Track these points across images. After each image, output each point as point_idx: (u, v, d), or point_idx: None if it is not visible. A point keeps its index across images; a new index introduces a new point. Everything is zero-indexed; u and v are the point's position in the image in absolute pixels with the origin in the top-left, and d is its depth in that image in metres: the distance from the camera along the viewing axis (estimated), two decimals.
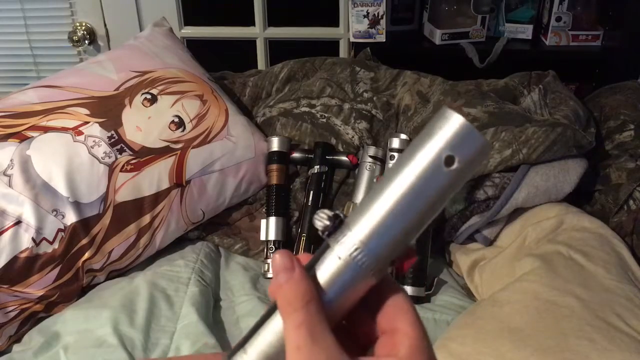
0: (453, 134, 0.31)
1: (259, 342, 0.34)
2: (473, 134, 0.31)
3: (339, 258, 0.33)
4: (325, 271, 0.34)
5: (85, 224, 1.12)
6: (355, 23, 1.53)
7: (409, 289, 1.15)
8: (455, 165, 0.31)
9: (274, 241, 1.24)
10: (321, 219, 0.34)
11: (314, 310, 0.32)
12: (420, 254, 1.17)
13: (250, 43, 1.77)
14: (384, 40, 1.54)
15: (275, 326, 0.34)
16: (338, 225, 0.34)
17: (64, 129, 1.16)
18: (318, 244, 1.27)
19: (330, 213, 0.34)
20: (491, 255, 1.19)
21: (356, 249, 0.33)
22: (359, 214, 0.33)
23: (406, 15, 1.68)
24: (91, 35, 1.78)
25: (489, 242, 1.24)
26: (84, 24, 1.77)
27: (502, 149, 1.20)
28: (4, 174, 1.09)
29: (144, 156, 1.18)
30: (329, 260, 0.34)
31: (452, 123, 0.31)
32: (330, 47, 1.74)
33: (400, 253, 0.33)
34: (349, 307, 0.34)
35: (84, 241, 1.12)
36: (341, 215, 0.34)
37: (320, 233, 0.34)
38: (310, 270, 0.34)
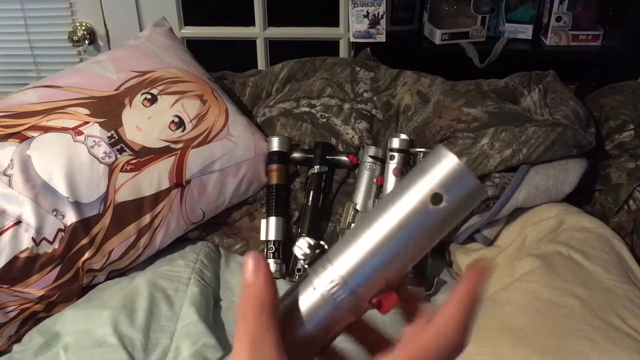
0: (443, 172, 0.29)
1: None
2: (466, 175, 0.29)
3: (317, 291, 0.32)
4: (303, 302, 0.33)
5: (85, 224, 1.12)
6: (355, 23, 1.53)
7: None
8: (442, 204, 0.29)
9: (274, 241, 1.24)
10: (301, 247, 0.33)
11: (266, 322, 0.31)
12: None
13: (250, 43, 1.77)
14: (384, 40, 1.54)
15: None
16: (319, 255, 0.33)
17: (64, 129, 1.16)
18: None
19: (311, 242, 0.33)
20: (491, 255, 1.19)
21: (334, 285, 0.31)
22: (341, 248, 0.32)
23: (406, 15, 1.68)
24: (91, 35, 1.78)
25: (489, 242, 1.24)
26: (84, 24, 1.77)
27: (502, 149, 1.20)
28: (4, 174, 1.09)
29: (144, 156, 1.18)
30: (307, 292, 0.32)
31: (444, 161, 0.29)
32: (330, 47, 1.74)
33: (380, 291, 0.32)
34: (329, 337, 0.33)
35: (84, 241, 1.12)
36: (324, 245, 0.33)
37: (300, 261, 0.33)
38: (288, 298, 0.33)
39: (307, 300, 0.33)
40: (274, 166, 1.29)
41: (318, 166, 1.29)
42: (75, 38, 1.75)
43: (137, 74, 1.28)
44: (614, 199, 1.22)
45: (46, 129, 1.16)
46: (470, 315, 0.31)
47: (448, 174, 0.29)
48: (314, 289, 0.32)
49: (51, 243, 1.09)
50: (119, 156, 1.16)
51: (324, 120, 1.36)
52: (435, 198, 0.29)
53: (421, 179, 0.30)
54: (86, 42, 1.77)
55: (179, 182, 1.20)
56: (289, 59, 1.52)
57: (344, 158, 1.30)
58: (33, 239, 1.08)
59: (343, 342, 0.35)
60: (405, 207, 0.30)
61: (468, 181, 0.29)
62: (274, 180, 1.29)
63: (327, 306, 0.32)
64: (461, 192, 0.29)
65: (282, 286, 1.20)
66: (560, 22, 1.57)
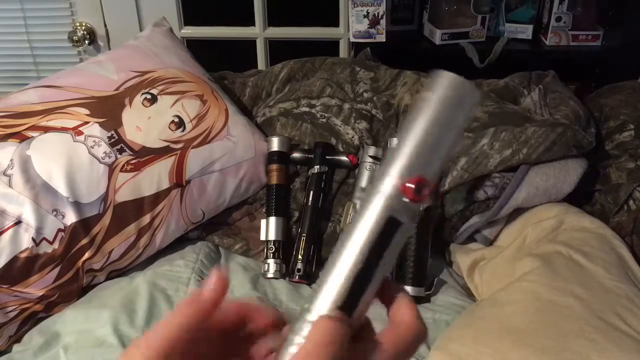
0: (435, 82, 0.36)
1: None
2: (444, 75, 0.36)
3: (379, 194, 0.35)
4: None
5: (85, 224, 1.11)
6: (355, 23, 1.53)
7: (409, 289, 1.15)
8: (431, 96, 0.36)
9: (274, 241, 1.24)
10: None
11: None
12: (421, 254, 1.17)
13: (250, 43, 1.77)
14: (384, 40, 1.54)
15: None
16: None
17: (64, 129, 1.16)
18: (318, 244, 1.27)
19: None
20: (491, 255, 1.19)
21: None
22: (390, 159, 0.36)
23: (406, 15, 1.68)
24: (91, 35, 1.78)
25: (489, 242, 1.24)
26: (84, 24, 1.77)
27: (502, 149, 1.20)
28: (4, 174, 1.09)
29: (144, 156, 1.18)
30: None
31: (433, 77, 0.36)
32: (330, 47, 1.74)
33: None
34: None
35: (84, 241, 1.12)
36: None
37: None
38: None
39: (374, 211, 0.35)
40: (274, 166, 1.29)
41: (318, 166, 1.29)
42: (75, 38, 1.75)
43: (137, 74, 1.28)
44: (614, 199, 1.22)
45: (46, 129, 1.16)
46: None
47: (432, 81, 0.36)
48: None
49: (51, 243, 1.09)
50: (119, 156, 1.16)
51: (324, 120, 1.36)
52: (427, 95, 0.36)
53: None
54: (86, 42, 1.77)
55: (179, 182, 1.20)
56: (289, 59, 1.52)
57: (344, 158, 1.30)
58: (33, 239, 1.08)
59: None
60: (416, 113, 0.36)
61: (447, 78, 0.36)
62: (274, 180, 1.29)
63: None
64: (443, 86, 0.36)
65: (282, 285, 1.20)
66: (560, 22, 1.57)
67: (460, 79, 0.36)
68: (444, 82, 0.36)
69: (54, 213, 1.10)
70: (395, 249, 0.35)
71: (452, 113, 0.36)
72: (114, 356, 0.98)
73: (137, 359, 0.32)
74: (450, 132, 0.36)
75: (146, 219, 1.17)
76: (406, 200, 0.34)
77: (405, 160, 0.35)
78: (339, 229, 1.27)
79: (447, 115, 0.36)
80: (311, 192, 1.28)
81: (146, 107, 1.23)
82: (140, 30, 1.73)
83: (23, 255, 1.07)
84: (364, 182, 1.27)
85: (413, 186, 0.34)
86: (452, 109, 0.36)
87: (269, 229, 1.25)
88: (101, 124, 1.18)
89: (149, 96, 1.24)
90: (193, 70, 1.35)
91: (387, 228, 0.34)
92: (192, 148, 1.22)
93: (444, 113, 0.36)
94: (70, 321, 1.06)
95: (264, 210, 1.30)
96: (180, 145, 1.21)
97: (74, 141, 1.15)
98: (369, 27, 1.53)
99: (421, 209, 0.35)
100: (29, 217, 1.08)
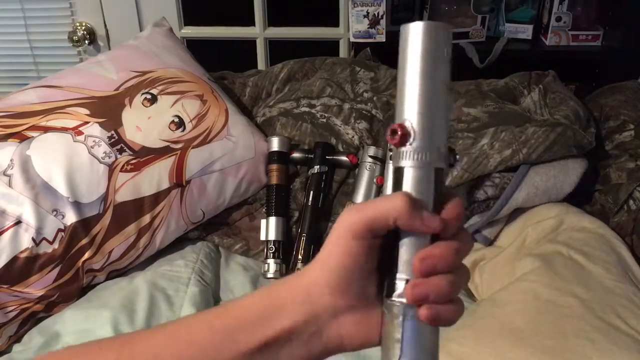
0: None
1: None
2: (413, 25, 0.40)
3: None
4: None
5: (85, 224, 1.11)
6: (355, 23, 1.53)
7: None
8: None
9: (274, 241, 1.24)
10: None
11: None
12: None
13: (250, 43, 1.77)
14: (384, 40, 1.54)
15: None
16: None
17: (64, 129, 1.16)
18: (318, 244, 1.27)
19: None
20: (491, 255, 1.19)
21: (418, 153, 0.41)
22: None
23: (406, 15, 1.67)
24: (91, 35, 1.78)
25: (489, 242, 1.24)
26: (84, 24, 1.77)
27: (502, 149, 1.20)
28: (4, 174, 1.09)
29: (144, 156, 1.18)
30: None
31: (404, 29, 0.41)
32: (330, 47, 1.74)
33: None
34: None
35: (84, 241, 1.12)
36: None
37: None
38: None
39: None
40: (274, 166, 1.29)
41: (318, 166, 1.29)
42: (75, 38, 1.75)
43: (137, 74, 1.28)
44: (614, 199, 1.22)
45: (46, 129, 1.16)
46: None
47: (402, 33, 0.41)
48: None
49: (51, 243, 1.09)
50: (118, 156, 1.16)
51: (324, 120, 1.36)
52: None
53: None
54: (86, 42, 1.77)
55: (179, 182, 1.20)
56: (289, 59, 1.52)
57: (344, 158, 1.30)
58: (33, 239, 1.08)
59: None
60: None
61: (413, 28, 0.40)
62: (274, 180, 1.29)
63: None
64: (412, 35, 0.40)
65: None
66: (560, 22, 1.57)
67: (425, 24, 0.40)
68: (413, 32, 0.40)
69: (54, 213, 1.10)
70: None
71: (425, 62, 0.39)
72: None
73: (350, 215, 0.39)
74: (428, 78, 0.40)
75: (146, 219, 1.17)
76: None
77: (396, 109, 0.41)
78: None
79: (419, 64, 0.39)
80: (311, 192, 1.28)
81: (146, 107, 1.23)
82: (140, 30, 1.73)
83: (23, 255, 1.07)
84: (364, 182, 1.27)
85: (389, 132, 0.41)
86: (421, 58, 0.39)
87: (269, 229, 1.25)
88: (101, 124, 1.18)
89: (149, 96, 1.24)
90: (193, 70, 1.36)
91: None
92: (192, 148, 1.22)
93: (416, 64, 0.39)
94: (70, 321, 1.06)
95: (264, 210, 1.30)
96: (180, 145, 1.21)
97: (74, 141, 1.15)
98: (369, 27, 1.53)
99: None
100: (29, 217, 1.08)
